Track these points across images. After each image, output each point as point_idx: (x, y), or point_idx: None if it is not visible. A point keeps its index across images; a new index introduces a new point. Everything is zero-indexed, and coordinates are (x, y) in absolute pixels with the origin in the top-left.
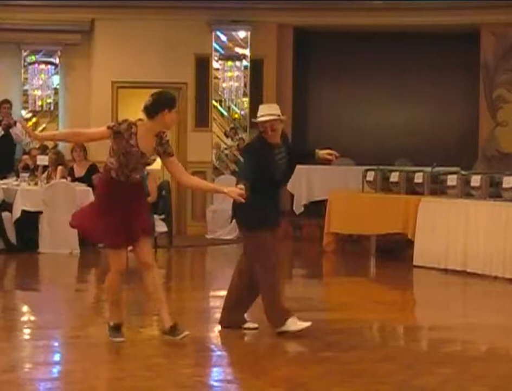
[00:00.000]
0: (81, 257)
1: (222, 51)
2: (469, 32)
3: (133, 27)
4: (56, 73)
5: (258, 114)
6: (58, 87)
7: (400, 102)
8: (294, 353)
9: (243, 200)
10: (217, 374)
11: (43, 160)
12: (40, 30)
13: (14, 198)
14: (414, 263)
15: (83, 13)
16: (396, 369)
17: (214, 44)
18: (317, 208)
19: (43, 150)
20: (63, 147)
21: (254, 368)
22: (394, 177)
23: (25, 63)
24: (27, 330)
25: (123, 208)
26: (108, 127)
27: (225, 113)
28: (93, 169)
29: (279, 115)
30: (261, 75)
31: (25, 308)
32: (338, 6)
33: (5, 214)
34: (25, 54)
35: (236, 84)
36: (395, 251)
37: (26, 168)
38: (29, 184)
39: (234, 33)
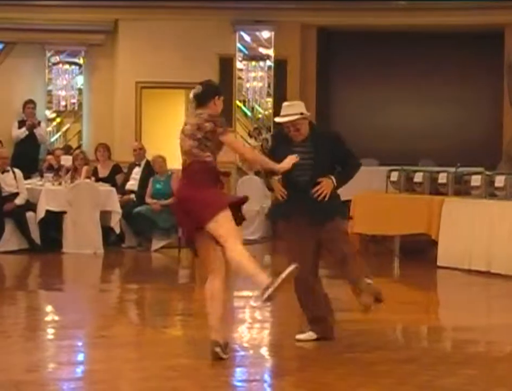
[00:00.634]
0: (105, 257)
1: (246, 52)
2: (493, 33)
3: (157, 28)
4: (80, 73)
5: (281, 113)
6: (82, 87)
7: (424, 103)
8: (318, 354)
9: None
10: (241, 374)
11: (67, 160)
12: (64, 30)
13: (38, 198)
14: (438, 264)
15: (107, 14)
16: (420, 369)
17: (238, 45)
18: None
19: (67, 150)
20: (87, 147)
21: (278, 368)
22: (418, 177)
23: (49, 64)
24: (51, 330)
25: None
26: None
27: (249, 113)
28: (116, 169)
29: (301, 113)
30: (284, 75)
31: (49, 308)
32: (361, 6)
33: (29, 214)
34: (49, 54)
35: (260, 84)
36: (419, 251)
37: (50, 168)
38: (53, 184)
39: (257, 33)
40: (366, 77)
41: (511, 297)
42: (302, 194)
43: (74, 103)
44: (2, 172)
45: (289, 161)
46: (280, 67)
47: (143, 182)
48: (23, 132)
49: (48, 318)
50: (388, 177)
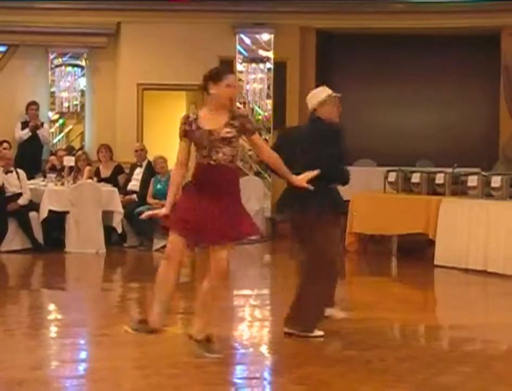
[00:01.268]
0: (107, 257)
1: (246, 54)
2: (490, 35)
3: (158, 31)
4: (83, 75)
5: (319, 93)
6: (84, 89)
7: (421, 104)
8: (317, 352)
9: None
10: (241, 372)
11: (69, 161)
12: (67, 33)
13: (41, 198)
14: (435, 263)
15: (109, 17)
16: (417, 367)
17: (238, 47)
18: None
19: (70, 151)
20: (89, 148)
21: (277, 366)
22: (415, 178)
23: (52, 66)
24: (54, 329)
25: None
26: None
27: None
28: (118, 169)
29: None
30: (284, 77)
31: (52, 307)
32: (359, 9)
33: (32, 214)
34: (52, 56)
35: (260, 86)
36: (416, 251)
37: (53, 169)
38: (56, 184)
39: (257, 36)
40: (364, 79)
41: (507, 296)
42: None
43: (76, 104)
44: (6, 173)
45: (305, 177)
46: (279, 69)
47: (145, 183)
48: (26, 133)
49: (51, 317)
50: (386, 177)
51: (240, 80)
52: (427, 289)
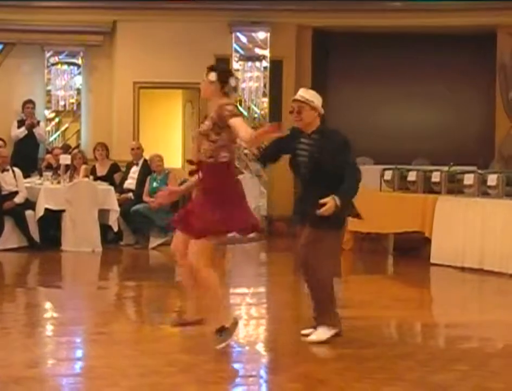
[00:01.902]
0: (103, 255)
1: (242, 52)
2: (486, 34)
3: (154, 29)
4: (79, 74)
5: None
6: (80, 87)
7: (418, 103)
8: (314, 350)
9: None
10: (237, 370)
11: (65, 159)
12: (63, 31)
13: (37, 197)
14: (431, 261)
15: (105, 15)
16: (414, 365)
17: (234, 45)
18: None
19: (66, 149)
20: (85, 146)
21: (274, 364)
22: (412, 176)
23: (48, 64)
24: (50, 327)
25: None
26: None
27: (245, 113)
28: (114, 168)
29: (307, 100)
30: (280, 75)
31: (48, 305)
32: (356, 8)
33: (29, 213)
34: (48, 54)
35: (256, 84)
36: (413, 249)
37: (49, 167)
38: (52, 183)
39: (253, 34)
40: (361, 77)
41: (503, 294)
42: (305, 190)
43: (72, 103)
44: (2, 171)
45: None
46: (275, 68)
47: (141, 181)
48: (22, 131)
49: (47, 315)
50: (382, 176)
51: (236, 78)
52: (423, 287)
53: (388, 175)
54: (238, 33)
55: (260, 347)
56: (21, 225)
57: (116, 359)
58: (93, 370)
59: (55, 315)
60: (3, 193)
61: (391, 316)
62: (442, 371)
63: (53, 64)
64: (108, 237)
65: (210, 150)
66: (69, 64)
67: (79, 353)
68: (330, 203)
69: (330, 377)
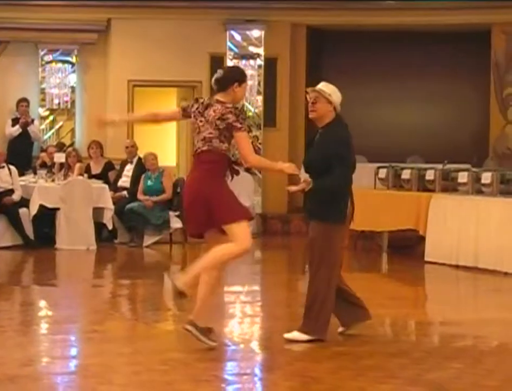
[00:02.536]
0: (98, 253)
1: (236, 50)
2: (480, 32)
3: (149, 27)
4: (73, 72)
5: None
6: (75, 85)
7: (412, 101)
8: (308, 348)
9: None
10: (231, 368)
11: (60, 157)
12: (57, 29)
13: (31, 195)
14: (426, 259)
15: (100, 13)
16: (408, 363)
17: (228, 43)
18: None
19: (60, 147)
20: (80, 144)
21: (268, 362)
22: (406, 174)
23: (43, 62)
24: (44, 325)
25: None
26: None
27: None
28: (109, 166)
29: (323, 91)
30: (274, 73)
31: (42, 303)
32: (350, 6)
33: (23, 211)
34: (42, 53)
35: (250, 82)
36: (407, 247)
37: (43, 165)
38: (46, 181)
39: (248, 32)
40: (355, 75)
41: (498, 292)
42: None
43: (67, 101)
44: None
45: (290, 166)
46: (270, 66)
47: (135, 179)
48: (17, 130)
49: (42, 313)
50: (376, 174)
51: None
52: (417, 285)
53: (382, 173)
54: (232, 32)
55: (255, 345)
56: (16, 223)
57: (111, 357)
58: (87, 368)
59: (50, 313)
60: None
61: (386, 314)
62: (437, 369)
63: (47, 63)
64: (103, 235)
65: (212, 137)
66: (63, 62)
67: (73, 351)
68: (301, 186)
69: (325, 375)
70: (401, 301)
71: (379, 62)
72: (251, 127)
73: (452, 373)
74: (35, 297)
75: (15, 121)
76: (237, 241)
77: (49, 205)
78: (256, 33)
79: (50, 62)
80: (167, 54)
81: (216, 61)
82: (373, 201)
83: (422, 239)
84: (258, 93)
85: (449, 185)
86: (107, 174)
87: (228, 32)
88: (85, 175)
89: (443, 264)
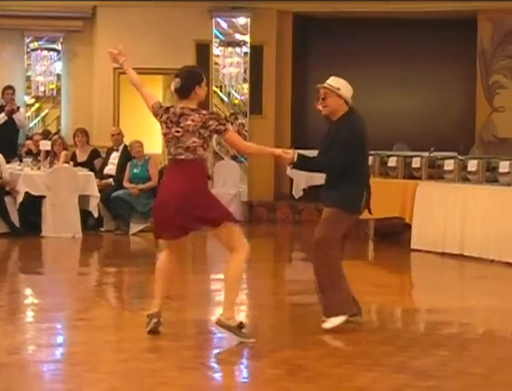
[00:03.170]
0: (84, 241)
1: (222, 38)
2: (466, 19)
3: (135, 14)
4: (59, 59)
5: None
6: (60, 73)
7: (398, 88)
8: (294, 336)
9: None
10: (218, 356)
11: (45, 145)
12: (43, 16)
13: (17, 183)
14: (412, 247)
15: (85, 1)
16: (394, 350)
17: (214, 31)
18: (316, 193)
19: (46, 135)
20: (65, 132)
21: (254, 350)
22: (392, 162)
23: (28, 50)
24: (31, 313)
25: None
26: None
27: (226, 99)
28: (94, 154)
29: (332, 87)
30: (261, 61)
31: (28, 291)
32: None
33: (8, 199)
34: (28, 40)
35: (236, 70)
36: (393, 235)
37: (29, 153)
38: (32, 169)
39: (234, 19)
40: (341, 63)
41: (483, 280)
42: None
43: (52, 89)
44: None
45: (283, 151)
46: (256, 53)
47: (121, 167)
48: (2, 117)
49: (28, 301)
50: None
51: (216, 63)
52: (403, 272)
53: (369, 160)
54: (218, 19)
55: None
56: (2, 211)
57: (97, 345)
58: (73, 356)
59: (36, 301)
60: None
61: (372, 301)
62: (423, 356)
63: (33, 50)
64: (89, 222)
65: (197, 146)
66: (49, 49)
67: (60, 339)
68: (289, 154)
69: (310, 362)
70: (387, 289)
71: (365, 50)
72: (238, 114)
73: (438, 361)
74: (21, 285)
75: (0, 109)
76: (239, 247)
77: (35, 193)
78: (242, 20)
79: (36, 49)
80: (153, 42)
81: (202, 49)
82: None
83: (408, 226)
84: (244, 80)
85: (435, 173)
86: (93, 162)
87: (213, 20)
88: (71, 163)
89: (429, 252)
